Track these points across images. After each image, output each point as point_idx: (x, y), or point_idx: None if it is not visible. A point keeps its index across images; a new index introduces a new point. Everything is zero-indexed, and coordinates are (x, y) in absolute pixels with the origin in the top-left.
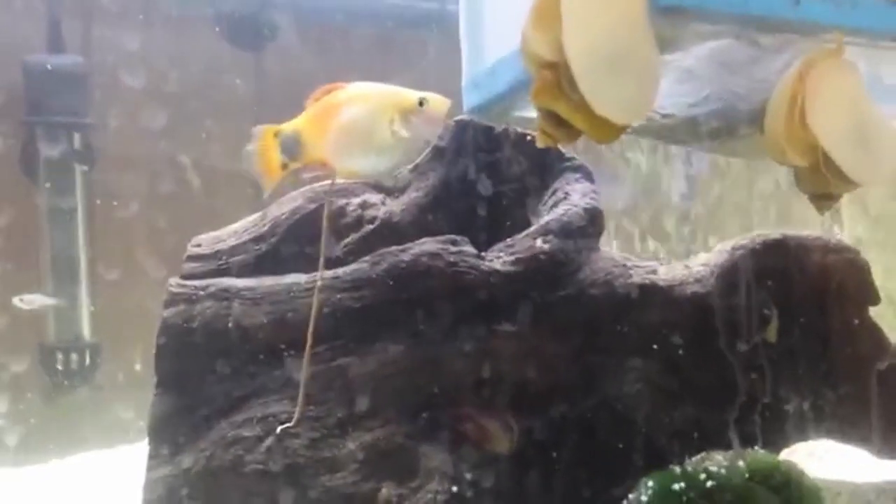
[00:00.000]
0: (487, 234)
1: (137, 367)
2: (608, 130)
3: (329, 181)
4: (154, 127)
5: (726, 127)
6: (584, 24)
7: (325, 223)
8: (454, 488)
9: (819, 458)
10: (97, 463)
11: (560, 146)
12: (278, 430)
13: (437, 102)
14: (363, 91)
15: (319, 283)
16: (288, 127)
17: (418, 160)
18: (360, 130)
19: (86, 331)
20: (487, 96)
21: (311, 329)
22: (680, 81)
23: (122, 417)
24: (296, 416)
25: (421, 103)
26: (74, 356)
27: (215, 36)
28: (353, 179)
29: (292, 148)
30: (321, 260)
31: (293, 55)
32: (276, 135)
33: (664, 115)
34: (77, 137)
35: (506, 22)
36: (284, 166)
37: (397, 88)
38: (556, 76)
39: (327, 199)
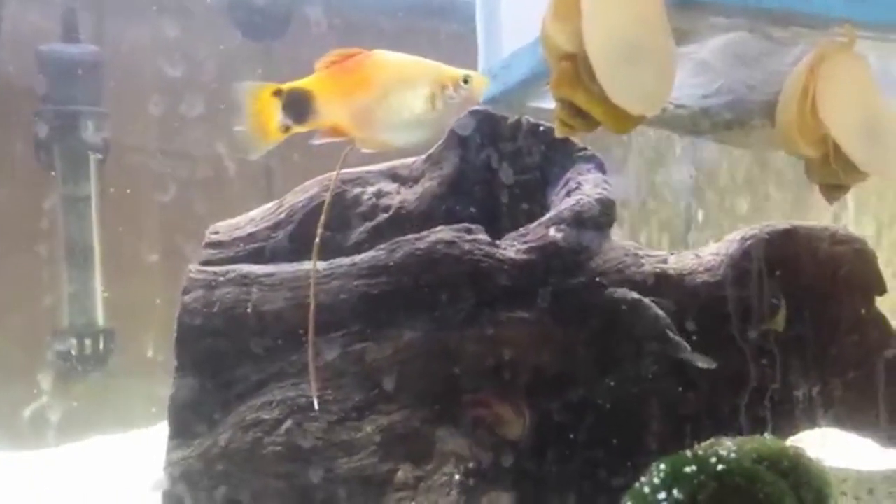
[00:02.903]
0: (501, 223)
1: (150, 353)
2: (626, 121)
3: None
4: (166, 116)
5: (738, 118)
6: (603, 15)
7: (325, 209)
8: (469, 471)
9: (822, 446)
10: (110, 447)
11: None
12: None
13: (480, 81)
14: (400, 60)
15: (314, 271)
16: (294, 86)
17: (432, 150)
18: (397, 101)
19: (99, 317)
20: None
21: (311, 314)
22: (694, 73)
23: (134, 402)
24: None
25: (465, 80)
26: (88, 342)
27: (228, 26)
28: (375, 150)
29: (300, 110)
30: (316, 243)
31: (305, 46)
32: (275, 94)
33: (677, 106)
34: (91, 126)
35: (522, 14)
36: (286, 129)
37: (434, 62)
38: (575, 67)
39: (332, 188)
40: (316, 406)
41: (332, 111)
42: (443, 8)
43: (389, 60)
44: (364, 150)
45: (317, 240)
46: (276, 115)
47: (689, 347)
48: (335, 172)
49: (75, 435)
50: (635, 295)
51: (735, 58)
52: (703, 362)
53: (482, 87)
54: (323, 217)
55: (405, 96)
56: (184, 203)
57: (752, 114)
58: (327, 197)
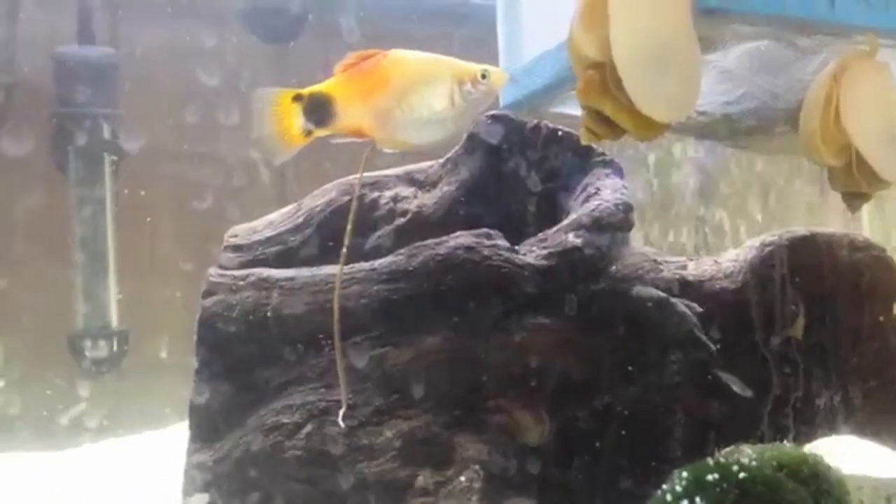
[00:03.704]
0: (519, 228)
1: (164, 354)
2: (652, 128)
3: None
4: (181, 118)
5: (761, 125)
6: (630, 24)
7: (351, 216)
8: (490, 477)
9: (840, 454)
10: (125, 448)
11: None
12: (341, 414)
13: (498, 75)
14: (417, 59)
15: (340, 275)
16: (314, 91)
17: (449, 154)
18: (416, 99)
19: (114, 319)
20: (525, 92)
21: (336, 319)
22: (718, 81)
23: (148, 404)
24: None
25: (483, 75)
26: (102, 343)
27: (242, 28)
28: (396, 150)
29: (321, 114)
30: (342, 252)
31: (320, 48)
32: (295, 99)
33: (700, 113)
34: (106, 128)
35: (543, 19)
36: (308, 133)
37: (451, 58)
38: (602, 76)
39: (356, 193)
40: (342, 423)
41: (352, 114)
42: (461, 12)
43: (406, 59)
44: (386, 151)
45: (343, 249)
46: (297, 120)
47: (713, 349)
48: (357, 176)
49: (89, 436)
50: (661, 293)
51: (759, 66)
52: (738, 388)
53: (501, 81)
54: (349, 226)
55: (424, 94)
56: (198, 205)
57: (775, 121)
58: (353, 203)
